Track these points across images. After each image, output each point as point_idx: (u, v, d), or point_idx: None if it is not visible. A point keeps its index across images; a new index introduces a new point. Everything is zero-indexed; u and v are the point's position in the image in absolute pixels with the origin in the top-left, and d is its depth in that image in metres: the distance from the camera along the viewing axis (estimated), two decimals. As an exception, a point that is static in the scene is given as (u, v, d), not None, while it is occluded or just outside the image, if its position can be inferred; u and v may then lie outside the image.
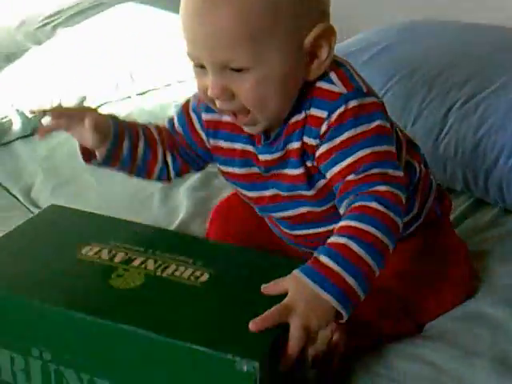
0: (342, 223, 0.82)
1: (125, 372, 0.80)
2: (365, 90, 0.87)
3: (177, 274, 0.86)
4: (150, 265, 0.87)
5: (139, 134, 0.98)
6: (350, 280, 0.79)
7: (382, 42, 1.54)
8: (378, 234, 0.81)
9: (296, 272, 0.80)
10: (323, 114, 0.85)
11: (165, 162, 1.00)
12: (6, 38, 1.74)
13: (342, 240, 0.80)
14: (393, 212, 0.82)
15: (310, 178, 0.90)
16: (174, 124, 1.00)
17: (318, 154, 0.87)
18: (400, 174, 0.85)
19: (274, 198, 0.95)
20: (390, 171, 0.84)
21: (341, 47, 1.59)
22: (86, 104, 1.72)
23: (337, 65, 0.88)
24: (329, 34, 0.84)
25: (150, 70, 1.80)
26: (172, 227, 1.24)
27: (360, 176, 0.84)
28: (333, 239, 0.82)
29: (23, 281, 0.86)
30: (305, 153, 0.88)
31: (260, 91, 0.83)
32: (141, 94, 1.79)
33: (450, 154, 1.30)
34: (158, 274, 0.86)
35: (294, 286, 0.79)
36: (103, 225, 0.96)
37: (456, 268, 1.02)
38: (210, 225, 1.12)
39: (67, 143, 1.60)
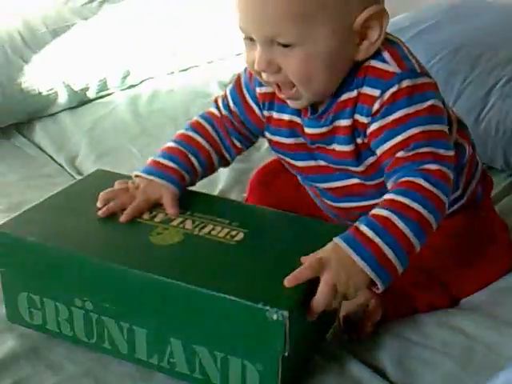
0: (387, 196, 0.83)
1: (162, 321, 0.83)
2: (418, 69, 0.86)
3: (213, 233, 0.88)
4: (188, 224, 0.90)
5: (192, 161, 0.97)
6: (389, 253, 0.80)
7: (430, 20, 1.54)
8: (423, 211, 0.81)
9: (335, 239, 0.81)
10: (376, 92, 0.85)
11: (221, 158, 1.01)
12: (54, 14, 1.76)
13: (385, 213, 0.81)
14: (440, 191, 0.82)
15: (359, 155, 0.90)
16: (228, 104, 1.01)
17: (369, 131, 0.87)
18: (451, 153, 0.85)
19: (322, 168, 0.95)
20: (442, 151, 0.84)
21: (389, 23, 1.60)
22: (129, 79, 1.75)
23: (390, 43, 0.87)
24: (380, 17, 0.84)
25: (193, 47, 1.83)
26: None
27: (410, 153, 0.84)
28: (376, 211, 0.82)
29: (69, 235, 0.89)
30: (355, 130, 0.88)
31: (306, 67, 0.84)
32: (183, 71, 1.82)
33: (490, 132, 1.30)
34: (196, 232, 0.89)
35: (331, 249, 0.80)
36: None
37: (494, 245, 1.02)
38: (249, 193, 1.13)
39: (111, 116, 1.65)
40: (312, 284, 0.80)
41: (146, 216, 0.92)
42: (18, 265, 0.90)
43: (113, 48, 1.74)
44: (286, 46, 0.83)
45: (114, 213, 0.91)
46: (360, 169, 0.91)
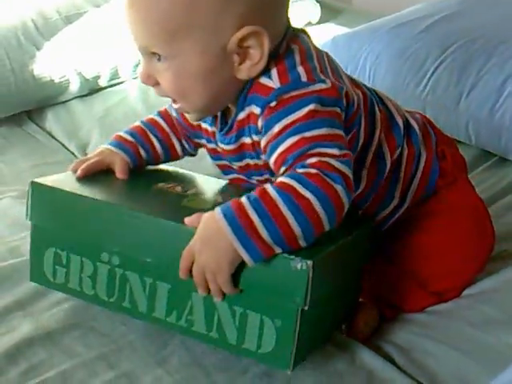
0: None
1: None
2: (305, 77, 0.83)
3: None
4: (219, 198, 0.92)
5: (152, 139, 1.01)
6: (252, 213, 0.76)
7: (441, 12, 1.54)
8: (299, 187, 0.77)
9: (216, 207, 0.79)
10: (257, 110, 0.84)
11: (182, 146, 1.03)
12: (66, 1, 1.76)
13: (265, 185, 0.79)
14: (325, 175, 0.78)
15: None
16: (168, 111, 1.02)
17: (261, 148, 0.86)
18: (339, 152, 0.80)
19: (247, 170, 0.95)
20: (326, 149, 0.80)
21: (397, 17, 1.60)
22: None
23: (284, 55, 0.85)
24: (259, 36, 0.81)
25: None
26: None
27: (290, 165, 0.81)
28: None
29: (105, 190, 0.93)
30: (257, 148, 0.88)
31: (177, 83, 0.84)
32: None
33: (505, 123, 1.30)
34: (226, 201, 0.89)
35: (204, 220, 0.79)
36: (176, 172, 1.02)
37: (462, 229, 0.98)
38: None
39: (122, 104, 1.65)
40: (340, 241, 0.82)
41: (178, 189, 0.94)
42: (50, 218, 0.92)
43: (125, 36, 1.73)
44: (159, 59, 0.84)
45: (88, 171, 0.94)
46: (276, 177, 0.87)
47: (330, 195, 0.78)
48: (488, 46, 1.38)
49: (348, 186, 0.79)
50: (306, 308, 0.78)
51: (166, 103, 1.61)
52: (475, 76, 1.34)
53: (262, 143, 0.85)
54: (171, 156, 1.03)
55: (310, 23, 1.98)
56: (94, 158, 0.97)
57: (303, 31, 0.91)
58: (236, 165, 0.94)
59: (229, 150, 0.91)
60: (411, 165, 0.97)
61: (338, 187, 0.78)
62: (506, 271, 1.02)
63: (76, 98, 1.67)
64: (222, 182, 1.00)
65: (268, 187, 0.79)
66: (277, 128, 0.82)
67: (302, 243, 0.78)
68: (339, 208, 0.79)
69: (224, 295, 0.81)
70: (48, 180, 0.93)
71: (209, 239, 0.78)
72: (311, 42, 0.90)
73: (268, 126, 0.83)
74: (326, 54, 0.91)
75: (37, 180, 0.93)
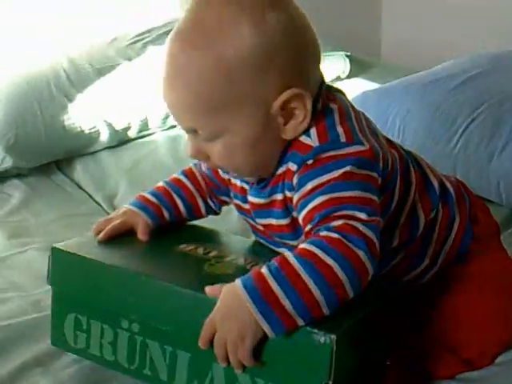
0: None
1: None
2: (344, 138, 0.83)
3: None
4: (241, 261, 0.90)
5: (176, 200, 1.00)
6: (273, 283, 0.75)
7: (473, 70, 1.53)
8: (321, 253, 0.76)
9: (237, 279, 0.79)
10: (294, 167, 0.84)
11: (207, 205, 1.02)
12: (99, 53, 1.79)
13: (285, 253, 0.79)
14: (348, 240, 0.77)
15: (295, 229, 0.87)
16: (193, 169, 1.03)
17: (293, 204, 0.86)
18: (368, 217, 0.79)
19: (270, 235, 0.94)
20: (353, 212, 0.79)
21: (429, 73, 1.59)
22: (170, 119, 1.76)
23: (323, 115, 0.85)
24: (301, 98, 0.82)
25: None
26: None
27: (316, 224, 0.80)
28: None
29: (125, 257, 0.92)
30: (288, 204, 0.87)
31: (228, 156, 0.85)
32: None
33: (538, 182, 1.27)
34: (248, 267, 0.88)
35: (225, 291, 0.78)
36: (198, 231, 1.01)
37: (493, 294, 0.95)
38: None
39: (151, 156, 1.65)
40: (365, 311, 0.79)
41: (200, 251, 0.93)
42: (71, 283, 0.92)
43: (155, 88, 1.75)
44: (205, 138, 0.84)
45: (110, 236, 0.94)
46: (297, 242, 0.86)
47: (353, 261, 0.76)
48: (519, 105, 1.36)
49: (372, 252, 0.78)
50: (331, 382, 0.76)
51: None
52: (507, 135, 1.32)
53: (294, 199, 0.84)
54: (195, 216, 1.02)
55: (339, 77, 1.99)
56: (117, 219, 0.97)
57: (339, 91, 0.91)
58: (259, 222, 0.92)
59: (258, 204, 0.90)
60: (445, 227, 0.96)
61: (361, 253, 0.77)
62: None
63: (105, 148, 1.68)
64: (246, 241, 0.99)
65: (288, 255, 0.78)
66: (310, 185, 0.81)
67: (326, 311, 0.76)
68: (363, 274, 0.77)
69: (245, 367, 0.79)
70: (69, 245, 0.93)
71: (230, 311, 0.77)
72: (348, 101, 0.90)
73: (302, 183, 0.82)
74: (363, 113, 0.90)
75: (57, 245, 0.93)
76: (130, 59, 1.78)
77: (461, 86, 1.47)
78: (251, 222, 0.96)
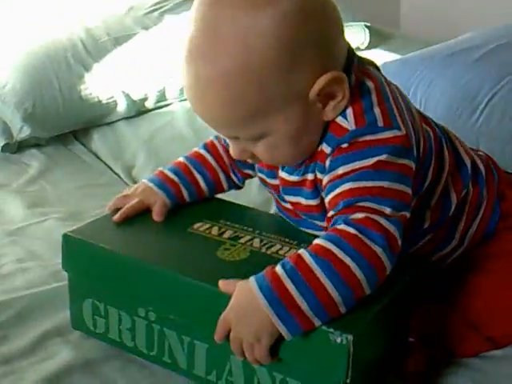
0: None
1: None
2: (381, 122, 0.80)
3: (281, 252, 0.87)
4: (256, 243, 0.89)
5: (196, 177, 0.98)
6: (289, 284, 0.74)
7: (496, 42, 1.50)
8: (338, 252, 0.75)
9: (251, 277, 0.77)
10: (328, 149, 0.82)
11: (229, 180, 1.01)
12: (115, 23, 1.77)
13: (300, 251, 0.77)
14: (365, 236, 0.76)
15: (323, 210, 0.86)
16: (215, 142, 1.01)
17: (323, 185, 0.84)
18: (394, 212, 0.78)
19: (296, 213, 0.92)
20: (376, 205, 0.77)
21: (450, 45, 1.56)
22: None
23: (360, 94, 0.82)
24: (335, 81, 0.79)
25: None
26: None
27: (339, 211, 0.79)
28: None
29: (138, 244, 0.90)
30: (317, 185, 0.86)
31: (273, 154, 0.83)
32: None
33: None
34: (263, 250, 0.87)
35: (239, 289, 0.77)
36: (215, 206, 0.99)
37: None
38: None
39: (169, 127, 1.64)
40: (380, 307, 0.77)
41: (214, 232, 0.91)
42: (85, 271, 0.91)
43: (172, 59, 1.74)
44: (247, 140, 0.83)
45: (127, 216, 0.93)
46: (325, 224, 0.85)
47: (370, 259, 0.76)
48: (545, 78, 1.33)
49: (392, 248, 0.77)
50: (348, 381, 0.75)
51: (210, 128, 1.63)
52: (532, 107, 1.30)
53: (324, 181, 0.83)
54: (216, 191, 1.01)
55: (358, 48, 1.96)
56: (134, 197, 0.95)
57: (372, 63, 0.88)
58: (288, 200, 0.91)
59: (290, 181, 0.89)
60: (474, 206, 0.94)
61: (379, 249, 0.76)
62: None
63: (122, 119, 1.67)
64: (263, 216, 0.98)
65: (304, 253, 0.76)
66: (341, 170, 0.80)
67: (343, 310, 0.76)
68: (380, 271, 0.77)
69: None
70: (81, 230, 0.92)
71: (245, 312, 0.76)
72: (383, 75, 0.87)
73: (333, 166, 0.81)
74: (397, 88, 0.88)
75: (69, 232, 0.91)
76: (147, 28, 1.77)
77: (484, 57, 1.44)
78: (277, 197, 0.95)
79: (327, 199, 0.82)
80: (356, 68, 0.84)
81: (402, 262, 0.79)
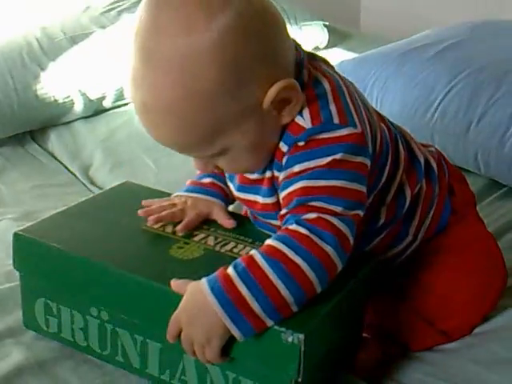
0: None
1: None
2: (336, 120, 0.80)
3: (235, 250, 0.86)
4: (211, 241, 0.88)
5: (220, 185, 0.97)
6: (241, 285, 0.74)
7: (450, 39, 1.52)
8: (288, 252, 0.75)
9: (203, 278, 0.77)
10: (285, 147, 0.82)
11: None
12: (72, 22, 1.75)
13: (252, 252, 0.77)
14: (316, 236, 0.76)
15: (279, 209, 0.85)
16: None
17: (278, 183, 0.84)
18: (349, 212, 0.78)
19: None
20: (327, 205, 0.78)
21: (406, 43, 1.58)
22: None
23: (316, 94, 0.82)
24: (287, 87, 0.78)
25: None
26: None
27: (291, 209, 0.79)
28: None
29: (90, 243, 0.88)
30: (274, 183, 0.86)
31: (236, 164, 0.84)
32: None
33: (515, 153, 1.27)
34: (217, 249, 0.87)
35: (190, 290, 0.77)
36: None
37: (470, 266, 0.95)
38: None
39: (126, 126, 1.63)
40: (331, 306, 0.77)
41: (168, 229, 0.90)
42: (37, 270, 0.90)
43: (130, 57, 1.72)
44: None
45: (160, 221, 0.91)
46: (279, 223, 0.85)
47: (321, 259, 0.76)
48: (498, 74, 1.35)
49: (343, 247, 0.77)
50: (300, 380, 0.75)
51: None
52: (485, 104, 1.31)
53: (280, 178, 0.83)
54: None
55: (317, 48, 1.97)
56: (190, 211, 0.92)
57: (324, 60, 0.88)
58: (244, 197, 0.90)
59: (249, 180, 0.88)
60: (427, 202, 0.95)
61: (330, 249, 0.76)
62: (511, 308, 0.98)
63: (80, 118, 1.65)
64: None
65: (255, 254, 0.76)
66: (297, 168, 0.80)
67: (294, 309, 0.76)
68: (331, 270, 0.77)
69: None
70: (32, 229, 0.90)
71: (196, 312, 0.76)
72: (337, 73, 0.87)
73: (290, 164, 0.81)
74: (353, 84, 0.88)
75: (19, 231, 0.90)
76: (104, 27, 1.75)
77: (439, 55, 1.46)
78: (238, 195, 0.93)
79: (282, 195, 0.82)
80: (307, 65, 0.84)
81: (353, 259, 0.80)
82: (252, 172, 0.87)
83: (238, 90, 0.76)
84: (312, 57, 0.86)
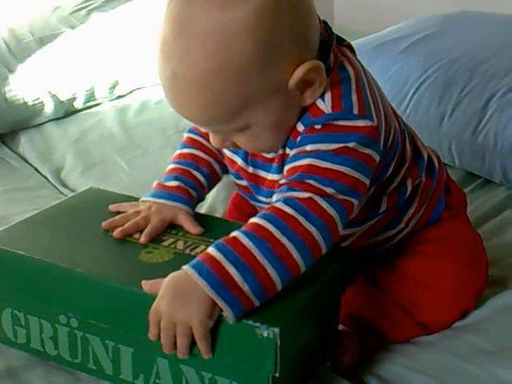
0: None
1: (148, 339, 0.78)
2: (356, 110, 0.81)
3: None
4: (180, 245, 0.86)
5: (197, 176, 0.95)
6: (230, 267, 0.73)
7: (422, 32, 1.52)
8: (275, 231, 0.75)
9: (184, 266, 0.76)
10: (301, 127, 0.83)
11: (222, 165, 0.98)
12: (40, 22, 1.73)
13: (234, 233, 0.76)
14: (303, 217, 0.76)
15: None
16: (191, 136, 0.98)
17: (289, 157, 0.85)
18: (343, 197, 0.79)
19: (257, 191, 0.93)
20: (329, 189, 0.78)
21: (379, 36, 1.57)
22: (118, 89, 1.71)
23: (340, 80, 0.82)
24: (314, 70, 0.79)
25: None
26: (201, 211, 1.22)
27: (289, 180, 0.79)
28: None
29: (56, 250, 0.86)
30: (284, 161, 0.86)
31: (255, 142, 0.84)
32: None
33: (488, 144, 1.27)
34: (187, 252, 0.85)
35: (170, 280, 0.75)
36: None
37: (454, 260, 0.96)
38: (228, 213, 1.11)
39: (98, 127, 1.61)
40: (306, 299, 0.77)
41: (136, 235, 0.88)
42: (3, 278, 0.87)
43: (101, 57, 1.70)
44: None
45: (129, 234, 0.88)
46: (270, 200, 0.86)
47: (306, 239, 0.76)
48: (469, 66, 1.35)
49: (329, 229, 0.77)
50: (277, 375, 0.74)
51: (144, 125, 1.60)
52: (457, 96, 1.31)
53: (290, 154, 0.83)
54: (214, 183, 0.98)
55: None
56: (154, 218, 0.89)
57: (348, 44, 0.88)
58: (255, 173, 0.90)
59: (264, 158, 0.88)
60: (425, 195, 0.96)
61: (314, 231, 0.76)
62: (493, 300, 0.99)
63: (50, 120, 1.62)
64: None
65: (239, 235, 0.75)
66: (309, 147, 0.80)
67: (278, 288, 0.76)
68: (315, 252, 0.77)
69: (191, 356, 0.76)
70: (5, 234, 0.88)
71: (181, 294, 0.74)
72: (359, 61, 0.87)
73: (303, 143, 0.81)
74: (371, 76, 0.88)
75: None
76: (73, 27, 1.73)
77: (410, 47, 1.46)
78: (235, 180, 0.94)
79: (286, 168, 0.82)
80: (334, 49, 0.84)
81: (325, 254, 0.79)
82: (269, 152, 0.87)
83: (268, 67, 0.77)
84: (339, 41, 0.87)
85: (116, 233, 0.87)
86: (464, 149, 1.28)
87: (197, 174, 0.95)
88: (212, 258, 0.74)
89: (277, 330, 0.72)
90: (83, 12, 1.78)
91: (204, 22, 0.74)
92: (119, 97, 1.72)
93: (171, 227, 0.90)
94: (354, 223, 0.91)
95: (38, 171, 1.45)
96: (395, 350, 0.92)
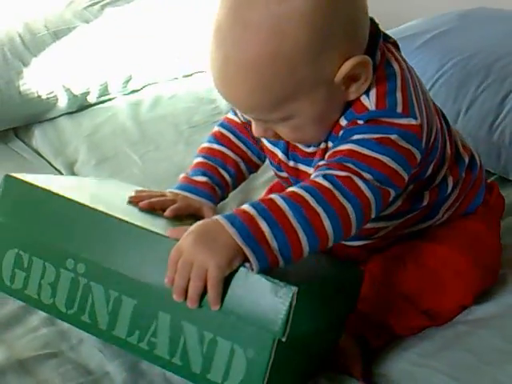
0: None
1: (153, 290, 0.78)
2: (399, 109, 0.82)
3: None
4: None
5: (224, 176, 0.97)
6: (262, 222, 0.74)
7: (439, 28, 1.51)
8: (311, 200, 0.76)
9: (217, 216, 0.76)
10: (344, 122, 0.84)
11: (250, 165, 1.00)
12: (55, 16, 1.73)
13: (271, 195, 0.78)
14: (340, 192, 0.77)
15: None
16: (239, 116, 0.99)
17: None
18: (380, 185, 0.79)
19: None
20: (365, 174, 0.79)
21: (395, 32, 1.56)
22: (131, 84, 1.71)
23: (386, 76, 0.83)
24: (362, 65, 0.80)
25: (197, 52, 1.78)
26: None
27: (330, 161, 0.80)
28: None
29: (80, 194, 0.87)
30: (326, 154, 0.86)
31: (298, 133, 0.85)
32: (187, 76, 1.78)
33: (504, 141, 1.26)
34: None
35: (201, 223, 0.76)
36: None
37: (467, 248, 0.95)
38: None
39: (111, 121, 1.61)
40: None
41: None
42: (18, 214, 0.87)
43: (115, 52, 1.70)
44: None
45: (154, 208, 0.89)
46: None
47: (339, 213, 0.76)
48: (486, 63, 1.34)
49: (362, 210, 0.78)
50: (284, 339, 0.72)
51: (157, 120, 1.60)
52: (473, 93, 1.30)
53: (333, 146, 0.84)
54: (238, 183, 1.00)
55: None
56: (180, 201, 0.90)
57: (394, 41, 0.89)
58: (296, 167, 0.91)
59: (305, 152, 0.90)
60: (464, 190, 0.98)
61: (349, 207, 0.77)
62: (504, 296, 0.98)
63: (64, 114, 1.62)
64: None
65: (276, 197, 0.76)
66: (355, 136, 0.81)
67: (304, 254, 0.76)
68: (347, 228, 0.77)
69: (199, 304, 0.75)
70: (25, 175, 0.89)
71: (206, 240, 0.74)
72: (404, 59, 0.88)
73: (345, 136, 0.82)
74: (416, 74, 0.89)
75: (13, 174, 0.88)
76: (87, 22, 1.73)
77: (427, 44, 1.45)
78: (276, 171, 0.96)
79: (329, 152, 0.83)
80: (381, 45, 0.84)
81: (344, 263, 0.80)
82: (310, 144, 0.87)
83: (319, 58, 0.78)
84: (385, 37, 0.87)
85: (143, 203, 0.88)
86: (479, 146, 1.27)
87: (224, 172, 0.97)
88: (246, 213, 0.75)
89: (295, 288, 0.71)
90: (97, 6, 1.78)
91: (260, 10, 0.76)
92: (133, 91, 1.72)
93: (194, 217, 0.90)
94: (394, 216, 0.92)
95: (51, 165, 1.45)
96: (404, 347, 0.90)
